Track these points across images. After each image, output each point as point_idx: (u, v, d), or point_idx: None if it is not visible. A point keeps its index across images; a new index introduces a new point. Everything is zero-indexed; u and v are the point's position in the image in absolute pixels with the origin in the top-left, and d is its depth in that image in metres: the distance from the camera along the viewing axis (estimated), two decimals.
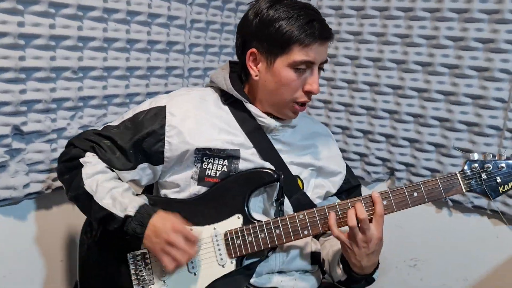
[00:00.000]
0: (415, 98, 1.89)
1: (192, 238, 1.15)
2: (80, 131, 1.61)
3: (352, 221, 1.16)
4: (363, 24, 1.96)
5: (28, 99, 1.44)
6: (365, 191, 1.54)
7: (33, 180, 1.52)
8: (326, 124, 2.03)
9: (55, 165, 1.55)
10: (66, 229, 1.69)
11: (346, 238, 1.19)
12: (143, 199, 1.23)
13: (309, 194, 1.36)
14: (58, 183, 1.55)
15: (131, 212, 1.16)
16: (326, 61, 1.28)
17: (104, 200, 1.20)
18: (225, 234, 1.23)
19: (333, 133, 2.05)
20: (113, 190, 1.22)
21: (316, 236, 1.46)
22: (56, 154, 1.54)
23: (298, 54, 1.20)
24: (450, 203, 1.86)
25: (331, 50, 2.05)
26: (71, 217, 1.67)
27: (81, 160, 1.27)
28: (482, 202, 1.79)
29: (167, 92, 1.86)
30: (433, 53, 1.81)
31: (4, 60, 1.35)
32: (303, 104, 1.29)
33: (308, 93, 1.26)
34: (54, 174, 1.56)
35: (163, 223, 1.15)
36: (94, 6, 1.55)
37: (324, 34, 1.22)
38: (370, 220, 1.17)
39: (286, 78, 1.22)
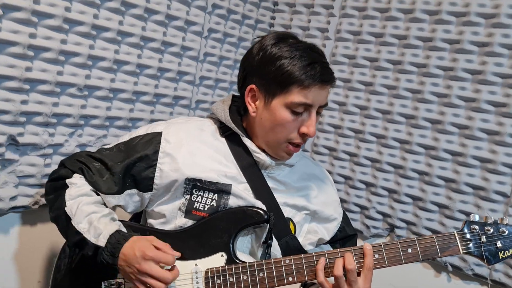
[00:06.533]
0: (422, 155, 1.84)
1: (166, 261, 1.08)
2: (77, 149, 1.59)
3: (338, 270, 1.09)
4: (375, 75, 1.94)
5: (28, 111, 1.43)
6: (360, 244, 1.47)
7: (21, 193, 1.49)
8: (329, 172, 1.98)
9: (46, 180, 1.52)
10: (48, 248, 1.63)
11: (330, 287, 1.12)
12: (116, 225, 1.17)
13: (300, 239, 1.31)
14: None
15: (102, 242, 1.12)
16: (325, 105, 1.25)
17: (81, 224, 1.16)
18: (206, 272, 1.17)
19: (335, 181, 2.00)
20: (92, 214, 1.17)
21: (305, 287, 1.39)
22: (49, 170, 1.51)
23: (296, 96, 1.17)
24: (450, 268, 1.77)
25: (341, 98, 2.03)
26: (55, 237, 1.59)
27: (67, 181, 1.24)
28: (484, 270, 1.70)
29: None
30: (444, 111, 1.78)
31: (10, 68, 1.36)
32: (297, 146, 1.25)
33: (303, 135, 1.23)
34: (43, 190, 1.52)
35: (132, 252, 1.08)
36: (109, 27, 1.56)
37: (325, 77, 1.19)
38: (359, 274, 1.10)
39: (282, 118, 1.19)
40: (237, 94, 1.37)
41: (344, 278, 1.10)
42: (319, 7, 2.11)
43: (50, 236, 1.61)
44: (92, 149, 1.61)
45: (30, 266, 1.60)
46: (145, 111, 1.78)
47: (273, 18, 2.25)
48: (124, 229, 1.19)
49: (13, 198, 1.47)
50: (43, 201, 1.53)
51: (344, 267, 1.09)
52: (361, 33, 1.98)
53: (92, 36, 1.53)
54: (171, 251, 1.11)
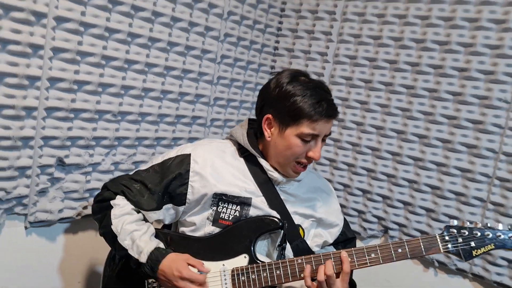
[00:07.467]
0: (411, 165, 2.09)
1: (198, 281, 1.34)
2: (112, 167, 1.83)
3: (321, 276, 1.33)
4: (369, 95, 2.20)
5: (73, 136, 1.67)
6: (360, 245, 1.71)
7: (67, 206, 1.73)
8: (330, 180, 2.24)
9: (87, 195, 1.77)
10: (88, 254, 1.88)
11: None
12: (155, 242, 1.41)
13: (308, 242, 1.54)
14: (88, 211, 1.77)
15: (144, 259, 1.36)
16: (329, 134, 1.49)
17: (126, 241, 1.40)
18: (232, 270, 1.41)
19: (335, 189, 2.25)
20: (134, 232, 1.41)
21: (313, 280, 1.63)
22: (90, 185, 1.77)
23: (306, 128, 1.41)
24: (436, 263, 2.02)
25: (339, 115, 2.26)
26: (94, 244, 1.86)
27: (111, 202, 1.46)
28: (465, 265, 1.95)
29: (190, 139, 2.10)
30: (429, 127, 2.04)
31: (59, 101, 1.60)
32: (304, 166, 1.49)
33: (309, 158, 1.46)
34: (85, 203, 1.77)
35: (171, 271, 1.34)
36: (138, 60, 1.81)
37: (329, 113, 1.43)
38: (338, 275, 1.34)
39: (293, 144, 1.43)
40: (252, 118, 1.61)
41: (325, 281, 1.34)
42: (319, 33, 2.36)
43: (90, 243, 1.86)
44: (124, 166, 1.86)
45: (72, 269, 1.84)
46: (167, 131, 2.02)
47: (277, 42, 2.50)
48: (162, 245, 1.43)
49: (60, 210, 1.71)
50: (85, 212, 1.77)
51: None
52: (356, 57, 2.24)
53: (124, 69, 1.78)
54: (203, 268, 1.38)
